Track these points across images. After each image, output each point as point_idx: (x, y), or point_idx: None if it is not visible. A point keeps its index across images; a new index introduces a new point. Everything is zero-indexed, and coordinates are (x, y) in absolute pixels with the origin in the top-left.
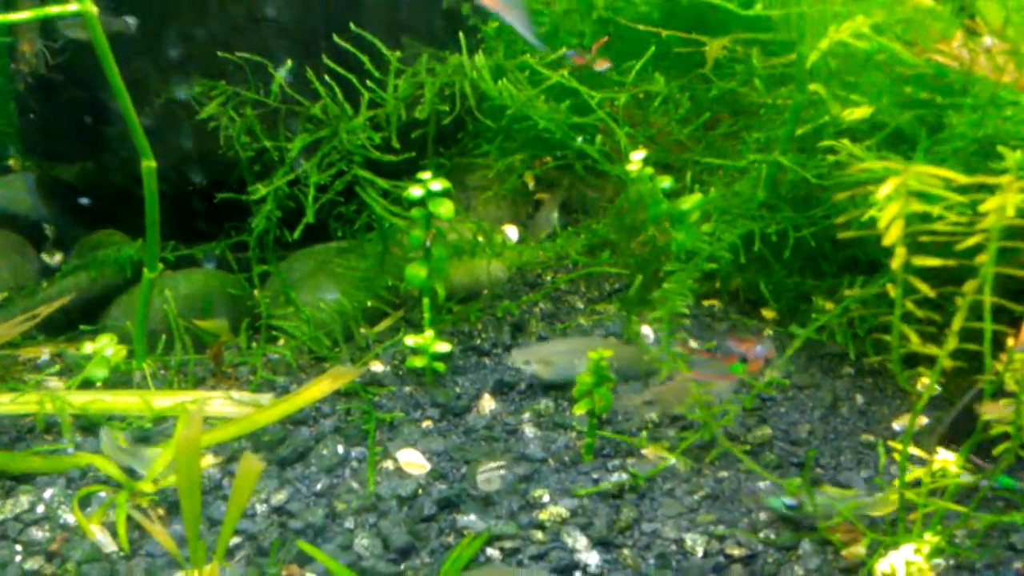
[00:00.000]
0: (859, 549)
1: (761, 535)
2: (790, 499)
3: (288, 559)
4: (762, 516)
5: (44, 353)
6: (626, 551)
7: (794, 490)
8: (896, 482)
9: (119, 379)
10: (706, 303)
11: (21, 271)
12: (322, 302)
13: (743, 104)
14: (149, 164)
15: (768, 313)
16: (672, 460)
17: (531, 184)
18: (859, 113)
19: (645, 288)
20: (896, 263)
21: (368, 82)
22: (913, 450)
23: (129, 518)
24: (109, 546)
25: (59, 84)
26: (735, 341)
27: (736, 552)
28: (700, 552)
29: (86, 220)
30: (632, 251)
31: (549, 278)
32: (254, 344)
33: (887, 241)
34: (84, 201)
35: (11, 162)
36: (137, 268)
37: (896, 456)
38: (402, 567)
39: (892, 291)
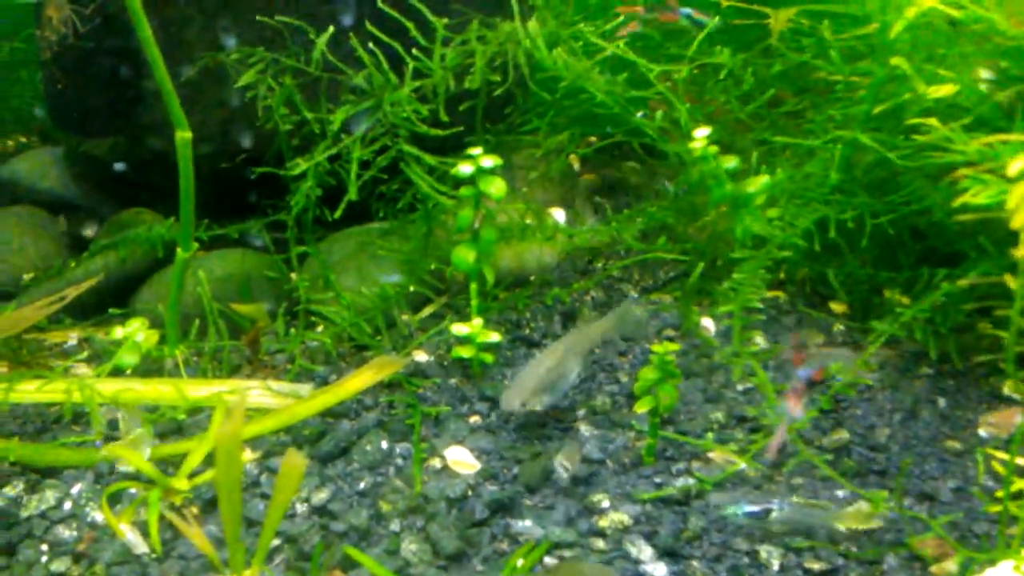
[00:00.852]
0: (950, 565)
1: (842, 547)
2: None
3: (332, 564)
4: (842, 527)
5: (71, 338)
6: (695, 563)
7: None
8: (999, 493)
9: (150, 366)
10: (770, 294)
11: (48, 250)
12: (363, 286)
13: (808, 82)
14: (184, 135)
15: (837, 306)
16: (742, 465)
17: (576, 165)
18: (945, 90)
19: (705, 277)
20: (1022, 250)
21: (414, 50)
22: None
23: (161, 517)
24: (140, 547)
25: (89, 52)
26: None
27: (816, 566)
28: (776, 566)
29: (116, 197)
30: (690, 236)
31: (600, 265)
32: (292, 330)
33: (1016, 223)
34: (119, 167)
35: (34, 139)
36: (169, 248)
37: (996, 466)
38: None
39: (1012, 282)
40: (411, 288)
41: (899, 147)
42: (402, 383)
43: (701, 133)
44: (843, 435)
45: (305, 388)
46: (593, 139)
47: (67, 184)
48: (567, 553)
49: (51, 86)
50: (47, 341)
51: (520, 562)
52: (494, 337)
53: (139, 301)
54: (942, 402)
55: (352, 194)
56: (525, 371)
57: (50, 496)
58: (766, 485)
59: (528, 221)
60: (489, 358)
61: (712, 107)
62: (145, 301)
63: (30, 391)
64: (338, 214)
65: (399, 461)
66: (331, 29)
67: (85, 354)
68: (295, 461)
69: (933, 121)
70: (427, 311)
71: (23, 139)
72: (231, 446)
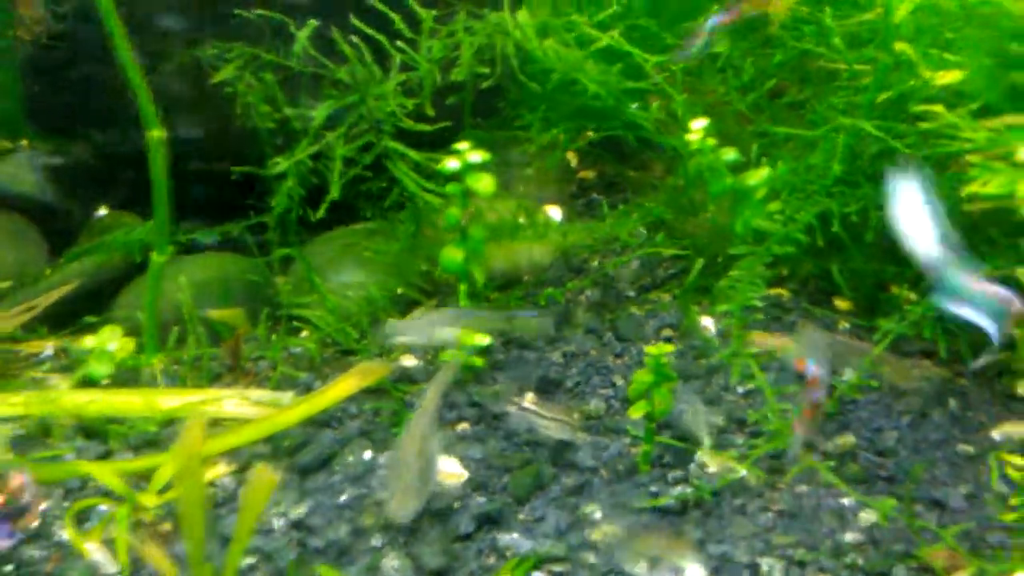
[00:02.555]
0: None
1: (847, 559)
2: None
3: None
4: (847, 537)
5: (47, 348)
6: None
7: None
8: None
9: (128, 376)
10: (773, 291)
11: (26, 257)
12: (348, 290)
13: (810, 71)
14: (157, 134)
15: (842, 303)
16: (742, 472)
17: (573, 162)
18: (952, 76)
19: (705, 274)
20: None
21: (399, 42)
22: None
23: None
24: (109, 567)
25: (64, 51)
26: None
27: None
28: None
29: (97, 201)
30: (689, 232)
31: (596, 263)
32: (274, 336)
33: None
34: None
35: (23, 142)
36: (148, 253)
37: (1011, 471)
38: None
39: None
40: (399, 291)
41: (904, 135)
42: (388, 390)
43: (698, 124)
44: (848, 439)
45: (286, 396)
46: (591, 134)
47: (45, 189)
48: (557, 568)
49: (28, 87)
50: (22, 352)
51: None
52: (484, 340)
53: (118, 308)
54: (953, 403)
55: (335, 193)
56: (398, 473)
57: None
58: (768, 493)
59: (521, 219)
60: (479, 362)
61: (711, 99)
62: (124, 308)
63: None
64: (320, 214)
65: (383, 472)
66: (312, 23)
67: (67, 364)
68: (264, 477)
69: (939, 108)
70: (416, 314)
71: (8, 144)
72: (191, 462)
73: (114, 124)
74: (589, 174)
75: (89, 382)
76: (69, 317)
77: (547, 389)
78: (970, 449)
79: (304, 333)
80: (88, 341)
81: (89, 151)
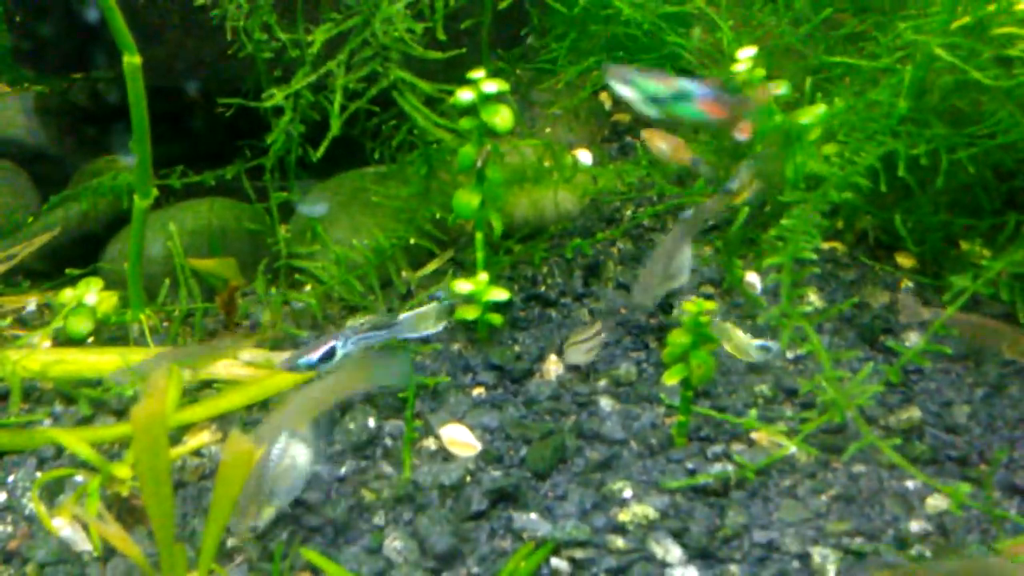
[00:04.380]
0: None
1: (912, 551)
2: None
3: (299, 566)
4: (913, 526)
5: (30, 302)
6: (733, 567)
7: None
8: None
9: (114, 334)
10: (826, 245)
11: (14, 205)
12: (355, 239)
13: (871, 1)
14: (132, 60)
15: (904, 259)
16: (791, 448)
17: (607, 103)
18: None
19: (750, 224)
20: None
21: None
22: None
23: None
24: (81, 544)
25: None
26: None
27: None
28: (832, 572)
29: (92, 146)
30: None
31: (629, 212)
32: (273, 290)
33: None
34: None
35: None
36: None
37: None
38: None
39: None
40: (411, 240)
41: (984, 65)
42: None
43: (745, 53)
44: (914, 413)
45: (283, 356)
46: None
47: (36, 133)
48: (578, 553)
49: (11, 20)
50: (3, 307)
51: (521, 564)
52: (502, 295)
53: (106, 259)
54: None
55: (335, 128)
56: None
57: None
58: (821, 473)
59: (546, 162)
60: (497, 319)
61: (760, 32)
62: (111, 259)
63: None
64: (320, 152)
65: (388, 441)
66: None
67: (49, 320)
68: (240, 447)
69: None
70: (430, 267)
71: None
72: (153, 431)
73: (96, 58)
74: (624, 116)
75: (71, 340)
76: (56, 270)
77: None
78: None
79: (307, 287)
80: (67, 295)
81: (83, 92)
